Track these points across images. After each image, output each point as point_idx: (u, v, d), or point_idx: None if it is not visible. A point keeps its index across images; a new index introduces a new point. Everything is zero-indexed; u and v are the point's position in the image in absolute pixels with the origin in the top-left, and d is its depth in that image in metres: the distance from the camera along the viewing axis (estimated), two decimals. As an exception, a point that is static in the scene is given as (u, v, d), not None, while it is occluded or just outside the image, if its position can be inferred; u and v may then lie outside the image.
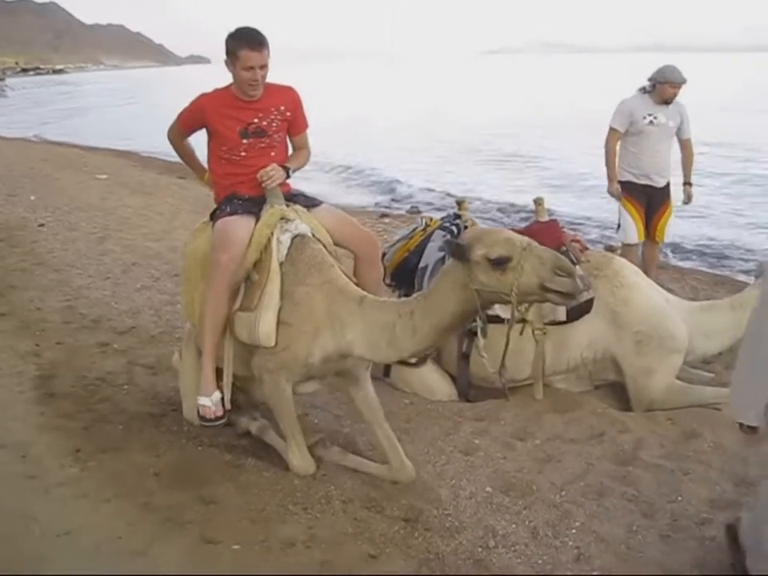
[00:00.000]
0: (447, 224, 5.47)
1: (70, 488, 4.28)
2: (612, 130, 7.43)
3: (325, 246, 4.39)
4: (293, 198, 4.60)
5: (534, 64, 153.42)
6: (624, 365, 5.36)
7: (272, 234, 4.29)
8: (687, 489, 4.35)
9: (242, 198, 4.50)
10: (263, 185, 4.42)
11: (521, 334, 5.21)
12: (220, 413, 4.37)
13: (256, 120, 4.48)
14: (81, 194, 14.41)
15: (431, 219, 5.70)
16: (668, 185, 7.46)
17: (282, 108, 4.57)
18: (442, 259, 5.19)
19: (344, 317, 4.08)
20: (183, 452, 4.72)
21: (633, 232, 7.51)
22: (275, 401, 4.35)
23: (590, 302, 5.22)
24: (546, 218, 5.65)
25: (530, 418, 5.15)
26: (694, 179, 7.64)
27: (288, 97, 4.64)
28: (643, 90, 7.35)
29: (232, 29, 4.38)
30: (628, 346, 5.32)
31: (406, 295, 5.36)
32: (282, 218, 4.35)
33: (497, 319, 5.16)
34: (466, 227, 5.38)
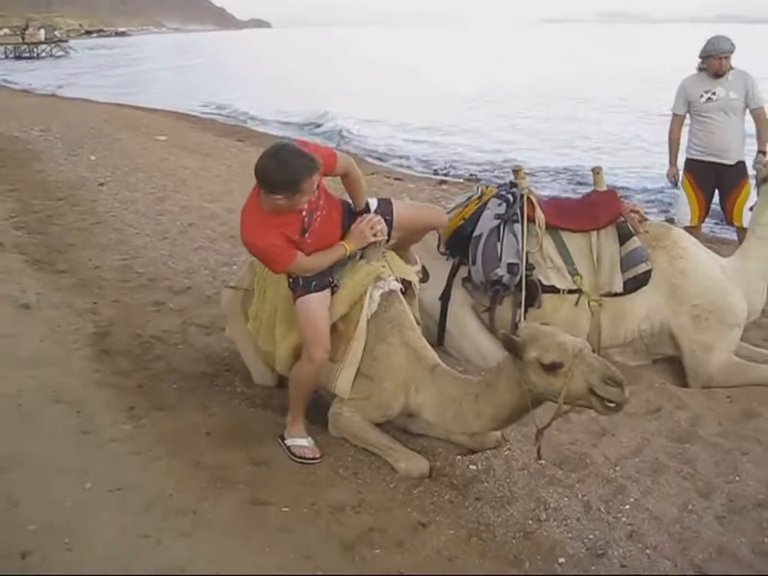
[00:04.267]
0: (503, 192, 5.38)
1: (122, 445, 4.32)
2: (673, 114, 7.36)
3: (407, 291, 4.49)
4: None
5: (599, 33, 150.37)
6: (681, 339, 5.26)
7: (365, 291, 4.30)
8: (745, 469, 4.25)
9: None
10: (372, 241, 4.28)
11: (576, 305, 5.18)
12: (318, 454, 4.30)
13: (305, 208, 4.09)
14: (140, 155, 14.54)
15: (487, 187, 5.62)
16: (742, 163, 7.13)
17: None
18: (497, 228, 5.16)
19: (418, 380, 4.21)
20: (235, 412, 4.75)
21: (686, 213, 7.36)
22: (354, 434, 4.37)
23: (647, 273, 5.15)
24: (604, 188, 5.54)
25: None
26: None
27: None
28: (699, 67, 7.15)
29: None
30: (686, 319, 5.23)
31: (461, 263, 5.36)
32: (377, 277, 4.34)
33: (552, 289, 5.12)
34: (522, 195, 5.30)
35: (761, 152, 6.95)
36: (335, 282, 4.30)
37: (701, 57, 7.08)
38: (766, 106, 7.15)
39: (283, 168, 3.79)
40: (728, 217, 7.29)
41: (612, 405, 3.53)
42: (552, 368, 3.55)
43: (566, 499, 3.94)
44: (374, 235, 4.27)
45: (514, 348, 3.67)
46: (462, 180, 14.12)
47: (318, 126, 22.36)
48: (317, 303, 4.21)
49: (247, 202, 4.07)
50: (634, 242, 5.21)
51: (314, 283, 4.21)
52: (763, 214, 5.56)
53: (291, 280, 4.27)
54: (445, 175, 14.87)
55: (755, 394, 5.09)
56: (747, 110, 7.12)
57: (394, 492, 4.00)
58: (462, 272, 5.39)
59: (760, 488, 4.09)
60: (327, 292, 4.27)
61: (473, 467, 4.20)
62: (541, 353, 3.58)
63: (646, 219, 5.53)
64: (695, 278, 5.25)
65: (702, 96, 7.04)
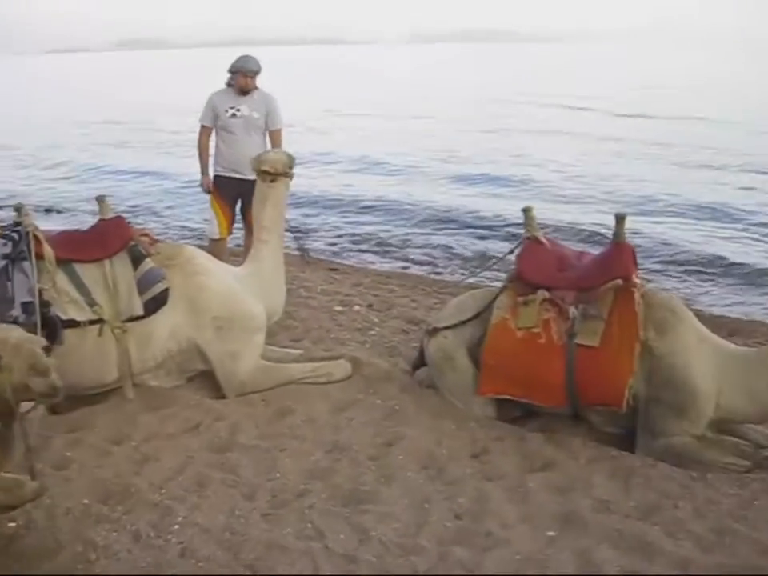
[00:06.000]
0: (8, 232, 5.14)
1: None
2: (201, 126, 7.70)
3: None
4: None
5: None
6: (209, 352, 5.41)
7: None
8: (284, 465, 4.53)
9: None
10: None
11: (99, 335, 5.11)
12: None
13: None
14: None
15: None
16: None
17: None
18: (5, 268, 4.94)
19: None
20: None
21: (214, 228, 7.75)
22: None
23: (164, 292, 5.24)
24: (110, 216, 5.52)
25: (125, 421, 5.01)
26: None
27: None
28: (227, 82, 7.57)
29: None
30: (209, 332, 5.38)
31: None
32: None
33: (73, 323, 5.01)
34: (27, 233, 5.10)
35: None
36: None
37: (229, 72, 7.46)
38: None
39: None
40: (249, 226, 7.60)
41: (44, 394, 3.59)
42: None
43: (115, 534, 3.87)
44: None
45: None
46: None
47: None
48: None
49: None
50: (147, 264, 5.27)
51: None
52: (262, 216, 5.91)
53: None
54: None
55: (287, 392, 5.41)
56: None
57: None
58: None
59: (299, 479, 4.39)
60: None
61: (12, 524, 3.94)
62: None
63: (158, 241, 5.62)
64: (211, 291, 5.42)
65: (227, 111, 7.44)
